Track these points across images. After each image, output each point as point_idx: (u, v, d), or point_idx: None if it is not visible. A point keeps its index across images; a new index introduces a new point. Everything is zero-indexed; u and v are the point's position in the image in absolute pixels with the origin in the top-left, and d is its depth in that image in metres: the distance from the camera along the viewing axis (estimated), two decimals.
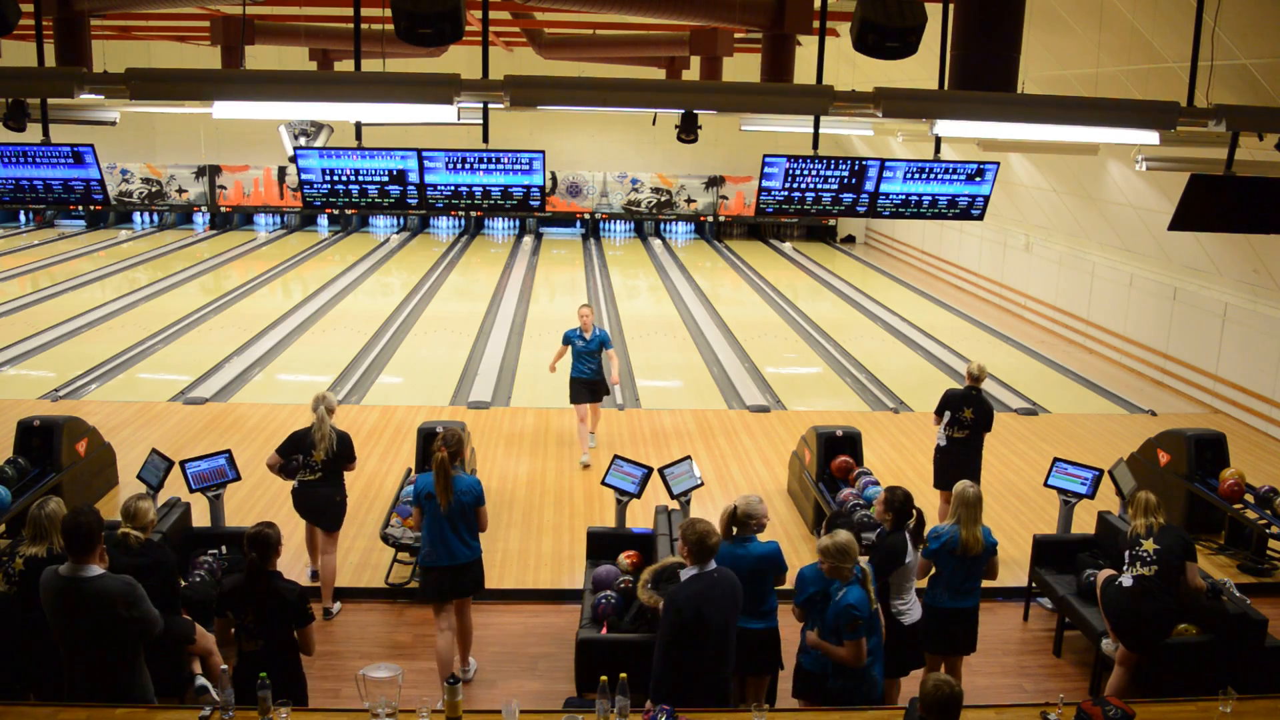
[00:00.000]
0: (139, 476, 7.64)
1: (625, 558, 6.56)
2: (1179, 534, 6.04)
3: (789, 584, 5.61)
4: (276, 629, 4.86)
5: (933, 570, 5.95)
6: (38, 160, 6.88)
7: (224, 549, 6.86)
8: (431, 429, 8.38)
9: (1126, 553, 6.07)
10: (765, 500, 5.62)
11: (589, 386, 10.26)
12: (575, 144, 26.29)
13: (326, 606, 7.22)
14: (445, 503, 6.01)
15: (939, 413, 8.33)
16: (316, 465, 7.14)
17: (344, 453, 7.23)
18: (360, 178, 6.92)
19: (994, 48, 6.30)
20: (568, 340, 10.26)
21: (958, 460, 8.21)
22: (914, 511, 5.77)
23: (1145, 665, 5.95)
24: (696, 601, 4.73)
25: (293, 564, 7.72)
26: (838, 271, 22.43)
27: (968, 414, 8.12)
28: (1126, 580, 5.95)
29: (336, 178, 6.92)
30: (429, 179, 6.91)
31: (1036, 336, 16.43)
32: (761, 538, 5.54)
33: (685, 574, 4.86)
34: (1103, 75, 11.61)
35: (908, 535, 5.72)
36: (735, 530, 5.36)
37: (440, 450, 6.03)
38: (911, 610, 5.75)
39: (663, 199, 26.58)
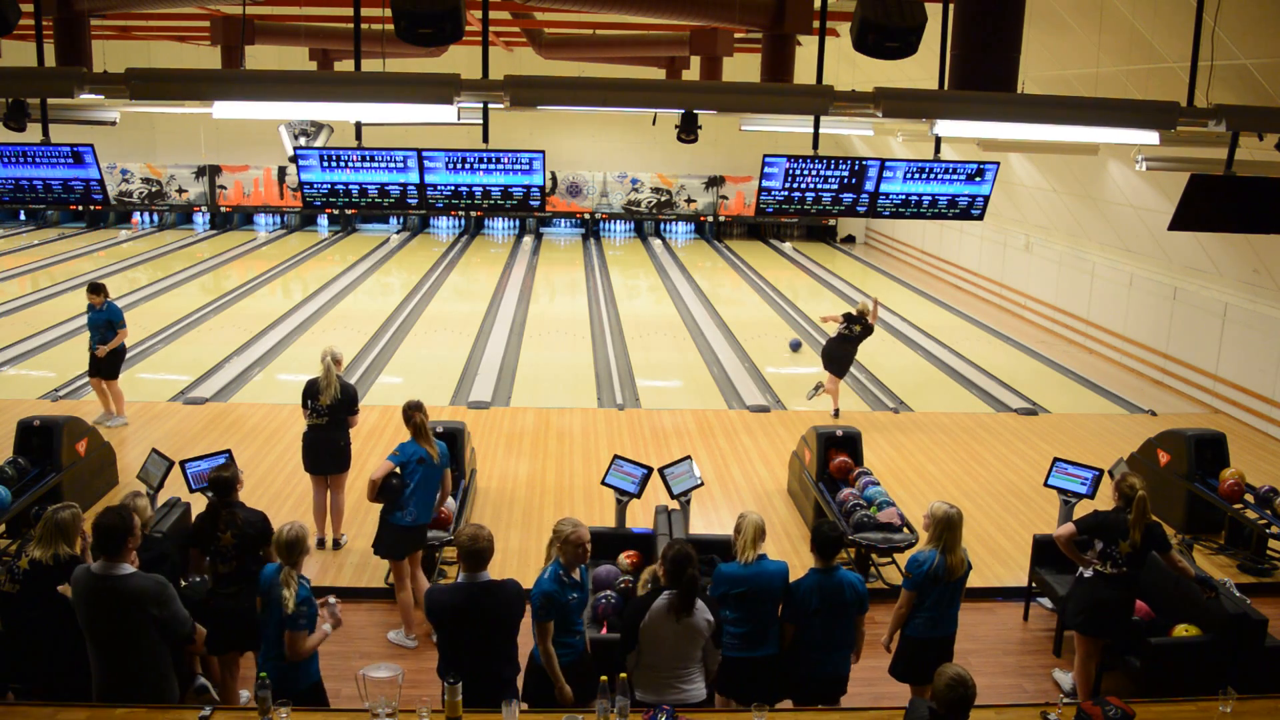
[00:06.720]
0: (139, 476, 7.64)
1: (625, 558, 6.56)
2: (1153, 529, 5.95)
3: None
4: (248, 551, 5.51)
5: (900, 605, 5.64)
6: (38, 160, 6.89)
7: None
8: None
9: (1100, 545, 5.97)
10: (765, 500, 5.60)
11: None
12: (575, 144, 26.28)
13: (336, 537, 8.14)
14: (437, 454, 6.80)
15: (843, 317, 11.31)
16: (323, 410, 7.94)
17: (348, 399, 8.01)
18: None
19: (994, 47, 6.31)
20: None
21: (842, 351, 11.28)
22: (693, 575, 4.80)
23: (1118, 653, 5.96)
24: (453, 614, 4.75)
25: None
26: (838, 271, 22.42)
27: (858, 328, 11.21)
28: (1087, 572, 5.95)
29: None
30: (429, 179, 6.91)
31: (1036, 336, 16.43)
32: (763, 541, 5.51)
33: (460, 579, 4.87)
34: (1103, 75, 11.61)
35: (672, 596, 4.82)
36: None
37: (418, 414, 6.84)
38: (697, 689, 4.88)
39: (663, 199, 26.57)
